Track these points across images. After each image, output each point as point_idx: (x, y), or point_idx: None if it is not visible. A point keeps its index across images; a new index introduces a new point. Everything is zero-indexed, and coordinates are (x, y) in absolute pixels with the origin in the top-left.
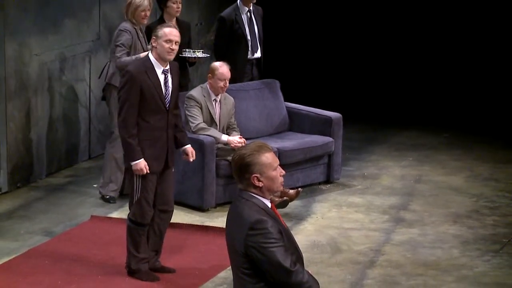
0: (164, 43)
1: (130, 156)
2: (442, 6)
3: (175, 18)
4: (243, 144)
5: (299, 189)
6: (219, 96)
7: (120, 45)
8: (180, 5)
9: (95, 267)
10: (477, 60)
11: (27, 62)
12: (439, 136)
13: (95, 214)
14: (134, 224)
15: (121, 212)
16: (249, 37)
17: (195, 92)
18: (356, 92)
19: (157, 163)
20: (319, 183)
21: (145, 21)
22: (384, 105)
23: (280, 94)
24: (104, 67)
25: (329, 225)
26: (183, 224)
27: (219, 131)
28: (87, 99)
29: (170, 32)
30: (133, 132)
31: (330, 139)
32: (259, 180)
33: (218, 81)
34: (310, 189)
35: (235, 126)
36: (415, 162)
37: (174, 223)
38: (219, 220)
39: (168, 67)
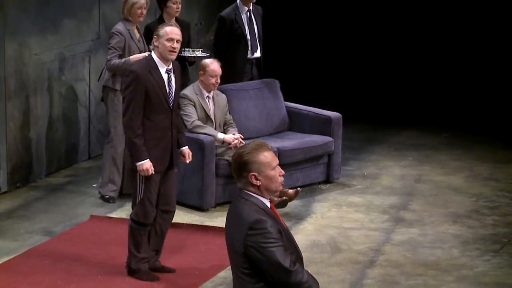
0: (165, 42)
1: (135, 156)
2: (442, 6)
3: (174, 18)
4: (240, 140)
5: (298, 188)
6: (211, 93)
7: (111, 48)
8: (180, 6)
9: (95, 267)
10: (477, 60)
11: (27, 62)
12: (439, 136)
13: (95, 214)
14: (137, 224)
15: (121, 212)
16: (248, 37)
17: (188, 91)
18: (356, 92)
19: (161, 163)
20: (319, 183)
21: (142, 19)
22: (384, 105)
23: (280, 93)
24: (103, 69)
25: (329, 225)
26: (183, 224)
27: (216, 128)
28: (87, 99)
29: (172, 31)
30: (138, 132)
31: (330, 138)
32: (256, 179)
33: (210, 77)
34: (310, 189)
35: (232, 122)
36: (415, 162)
37: (174, 223)
38: (218, 220)
39: (171, 66)
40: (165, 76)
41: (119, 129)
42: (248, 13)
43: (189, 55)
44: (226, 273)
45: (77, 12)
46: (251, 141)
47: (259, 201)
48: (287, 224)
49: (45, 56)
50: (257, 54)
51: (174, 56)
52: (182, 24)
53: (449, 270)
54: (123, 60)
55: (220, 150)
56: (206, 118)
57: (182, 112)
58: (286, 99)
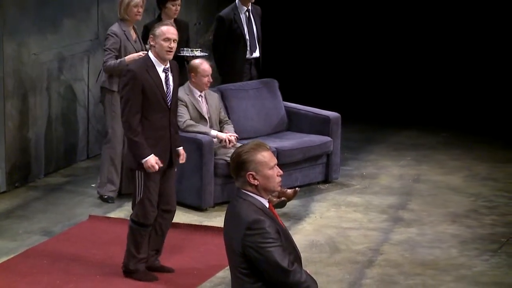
0: (162, 42)
1: (139, 154)
2: (441, 5)
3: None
4: (233, 139)
5: (297, 188)
6: (203, 92)
7: (107, 49)
8: (178, 8)
9: (94, 266)
10: (476, 59)
11: (26, 62)
12: (438, 135)
13: (94, 214)
14: (137, 225)
15: (120, 212)
16: (247, 37)
17: (179, 92)
18: (355, 92)
19: (161, 162)
20: (318, 183)
21: (139, 18)
22: (383, 104)
23: (279, 93)
24: (100, 70)
25: (327, 225)
26: (182, 223)
27: (212, 126)
28: (86, 98)
29: (168, 30)
30: (138, 130)
31: (329, 138)
32: (254, 178)
33: (202, 77)
34: (308, 189)
35: (228, 119)
36: (414, 161)
37: (172, 222)
38: (217, 219)
39: (168, 65)
40: (162, 75)
41: (116, 129)
42: (247, 13)
43: (188, 54)
44: (225, 273)
45: (76, 12)
46: (250, 141)
47: (257, 201)
48: (286, 224)
49: (44, 56)
50: (256, 54)
51: (171, 56)
52: (180, 24)
53: (447, 269)
54: (118, 61)
55: (218, 150)
56: (200, 118)
57: None
58: (284, 99)
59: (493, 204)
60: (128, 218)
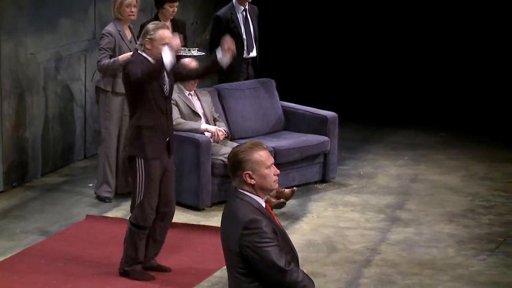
0: (162, 47)
1: (158, 66)
2: (440, 5)
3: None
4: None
5: (294, 188)
6: (192, 92)
7: (101, 49)
8: (176, 9)
9: (91, 266)
10: (475, 59)
11: (23, 61)
12: (435, 135)
13: (91, 214)
14: (136, 227)
15: (117, 212)
16: (244, 36)
17: None
18: (352, 91)
19: (159, 148)
20: (315, 182)
21: (133, 18)
22: (380, 104)
23: (276, 93)
24: (96, 70)
25: (325, 224)
26: (179, 223)
27: (206, 122)
28: (83, 98)
29: (166, 35)
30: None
31: (326, 138)
32: (251, 178)
33: None
34: (306, 188)
35: (218, 118)
36: (411, 161)
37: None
38: (214, 219)
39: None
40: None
41: (110, 129)
42: (244, 13)
43: (185, 54)
44: (222, 273)
45: (73, 12)
46: (247, 140)
47: (254, 201)
48: (283, 223)
49: (41, 56)
50: (253, 53)
51: None
52: (178, 24)
53: (444, 269)
54: (112, 60)
55: (216, 149)
56: (194, 114)
57: None
58: (282, 99)
59: (490, 203)
60: (126, 218)
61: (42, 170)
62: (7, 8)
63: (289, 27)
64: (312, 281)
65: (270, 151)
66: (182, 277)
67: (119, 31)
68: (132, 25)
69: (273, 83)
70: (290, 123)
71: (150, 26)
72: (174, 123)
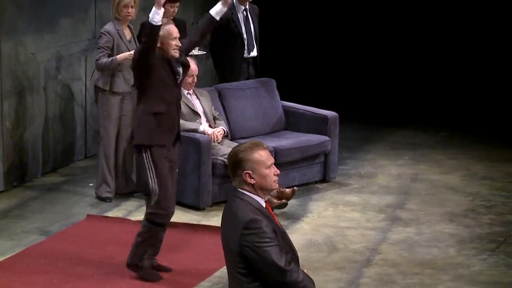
0: (171, 42)
1: (152, 25)
2: (440, 5)
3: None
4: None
5: (295, 187)
6: (191, 91)
7: (99, 47)
8: (176, 9)
9: (91, 266)
10: (474, 59)
11: (23, 61)
12: (436, 135)
13: (91, 213)
14: (154, 225)
15: (117, 212)
16: (245, 36)
17: None
18: (353, 91)
19: (167, 135)
20: (316, 182)
21: (130, 18)
22: (381, 104)
23: (276, 93)
24: (95, 69)
25: (325, 224)
26: (180, 223)
27: (207, 121)
28: (83, 98)
29: (173, 29)
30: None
31: (327, 138)
32: (251, 177)
33: (187, 77)
34: (306, 188)
35: (218, 117)
36: (412, 161)
37: (170, 222)
38: (215, 219)
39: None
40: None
41: (109, 129)
42: (245, 12)
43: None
44: (223, 273)
45: (74, 12)
46: (248, 140)
47: (254, 201)
48: (284, 223)
49: (41, 55)
50: (254, 53)
51: (178, 54)
52: (178, 23)
53: (445, 269)
54: (110, 59)
55: (217, 149)
56: (194, 114)
57: None
58: (282, 98)
59: (491, 203)
60: (126, 218)
61: (42, 170)
62: (7, 8)
63: (290, 27)
64: (313, 281)
65: (270, 151)
66: (182, 277)
67: (118, 30)
68: (133, 24)
69: (273, 83)
70: (291, 122)
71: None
72: None
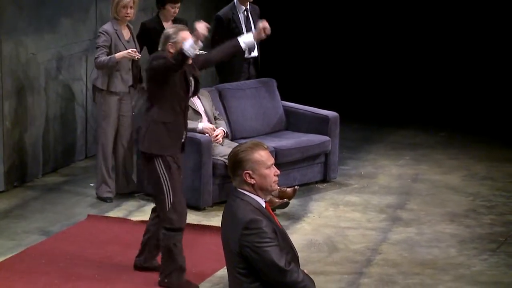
0: None
1: (181, 55)
2: (440, 5)
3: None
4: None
5: (296, 187)
6: None
7: (98, 46)
8: (177, 10)
9: (92, 266)
10: (475, 59)
11: (24, 61)
12: (436, 135)
13: (92, 213)
14: (173, 231)
15: (118, 212)
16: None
17: None
18: (353, 91)
19: (176, 144)
20: (316, 182)
21: (129, 18)
22: (381, 104)
23: (277, 93)
24: (93, 69)
25: (326, 224)
26: None
27: (209, 121)
28: (84, 98)
29: (188, 35)
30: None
31: (327, 138)
32: (251, 177)
33: None
34: (307, 188)
35: (219, 116)
36: (412, 161)
37: None
38: (215, 219)
39: None
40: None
41: (106, 130)
42: (246, 13)
43: None
44: (223, 273)
45: (74, 12)
46: (248, 140)
47: (254, 201)
48: (284, 223)
49: (42, 56)
50: (254, 53)
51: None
52: (180, 23)
53: (446, 269)
54: (108, 57)
55: (217, 150)
56: (195, 113)
57: None
58: (283, 98)
59: (491, 203)
60: (127, 218)
61: (43, 170)
62: (8, 8)
63: (291, 27)
64: (313, 281)
65: (271, 151)
66: None
67: (116, 30)
68: (133, 24)
69: (274, 83)
70: (291, 123)
71: (170, 30)
72: None
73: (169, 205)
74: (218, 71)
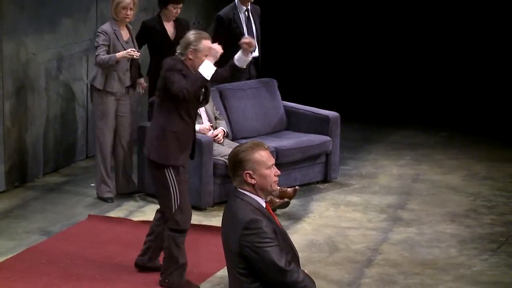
0: (203, 58)
1: (200, 78)
2: (440, 5)
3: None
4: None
5: (297, 187)
6: None
7: (98, 45)
8: (179, 10)
9: (93, 266)
10: (474, 59)
11: (24, 61)
12: (436, 135)
13: (93, 213)
14: (178, 233)
15: (119, 212)
16: (246, 36)
17: None
18: (354, 91)
19: (186, 152)
20: (317, 182)
21: (128, 19)
22: (382, 104)
23: (278, 93)
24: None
25: (326, 224)
26: None
27: (209, 120)
28: (84, 98)
29: (210, 45)
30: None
31: (328, 138)
32: (251, 177)
33: None
34: (307, 188)
35: (219, 116)
36: (412, 161)
37: None
38: (216, 219)
39: None
40: None
41: (104, 130)
42: (246, 13)
43: None
44: (224, 273)
45: (75, 12)
46: (249, 140)
47: (254, 201)
48: (285, 223)
49: (42, 56)
50: (255, 53)
51: None
52: (181, 23)
53: (446, 269)
54: (108, 56)
55: (218, 150)
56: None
57: None
58: (284, 99)
59: (492, 203)
60: (127, 218)
61: (43, 170)
62: (8, 8)
63: (291, 27)
64: (313, 281)
65: (272, 151)
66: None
67: (115, 30)
68: (133, 25)
69: (275, 83)
70: (292, 123)
71: (192, 36)
72: None
73: (176, 207)
74: None
